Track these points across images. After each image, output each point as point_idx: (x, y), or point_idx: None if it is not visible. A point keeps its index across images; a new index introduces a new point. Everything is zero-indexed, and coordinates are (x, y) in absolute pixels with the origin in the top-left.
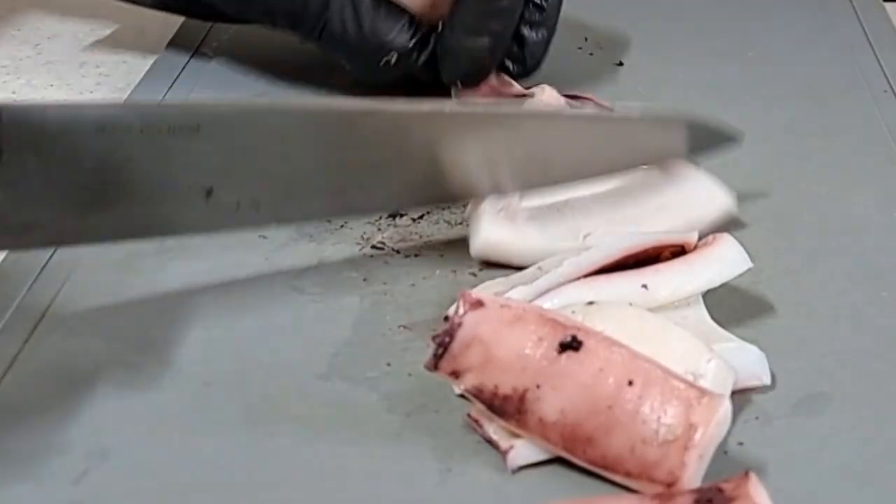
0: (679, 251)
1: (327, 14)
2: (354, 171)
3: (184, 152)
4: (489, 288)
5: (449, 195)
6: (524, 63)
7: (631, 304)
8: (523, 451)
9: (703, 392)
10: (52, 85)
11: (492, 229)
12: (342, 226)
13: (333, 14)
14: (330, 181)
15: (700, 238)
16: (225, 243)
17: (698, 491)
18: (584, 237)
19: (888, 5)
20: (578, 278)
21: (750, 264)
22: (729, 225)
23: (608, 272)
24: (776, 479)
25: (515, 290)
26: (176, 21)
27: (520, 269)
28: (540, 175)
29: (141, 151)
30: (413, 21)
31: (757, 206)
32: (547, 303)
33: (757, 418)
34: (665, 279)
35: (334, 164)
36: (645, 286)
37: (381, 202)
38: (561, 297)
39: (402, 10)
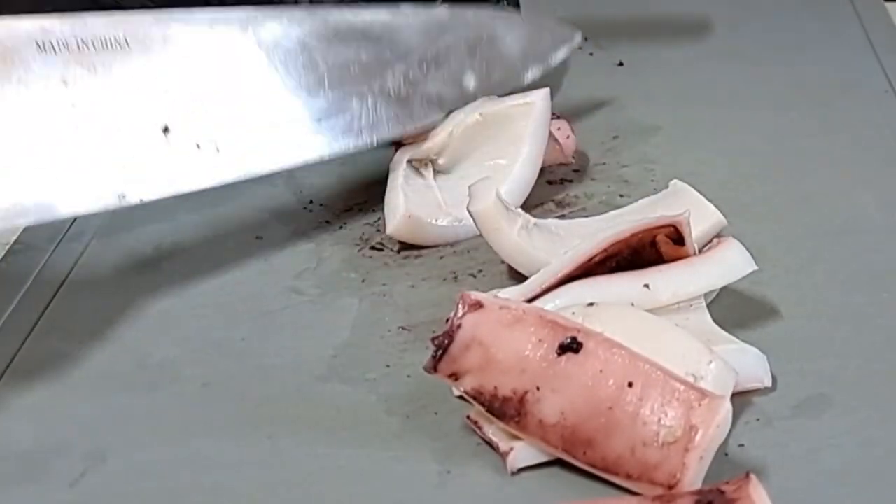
0: (676, 237)
1: None
2: None
3: None
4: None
5: None
6: None
7: (632, 306)
8: (523, 452)
9: (703, 394)
10: None
11: (409, 206)
12: (341, 227)
13: None
14: None
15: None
16: (223, 244)
17: (699, 493)
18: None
19: (888, 5)
20: (575, 274)
21: (754, 267)
22: (729, 226)
23: (610, 272)
24: (777, 481)
25: (507, 289)
26: None
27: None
28: None
29: None
30: None
31: (757, 206)
32: (547, 304)
33: (758, 420)
34: (668, 279)
35: None
36: (647, 286)
37: None
38: (562, 298)
39: None
